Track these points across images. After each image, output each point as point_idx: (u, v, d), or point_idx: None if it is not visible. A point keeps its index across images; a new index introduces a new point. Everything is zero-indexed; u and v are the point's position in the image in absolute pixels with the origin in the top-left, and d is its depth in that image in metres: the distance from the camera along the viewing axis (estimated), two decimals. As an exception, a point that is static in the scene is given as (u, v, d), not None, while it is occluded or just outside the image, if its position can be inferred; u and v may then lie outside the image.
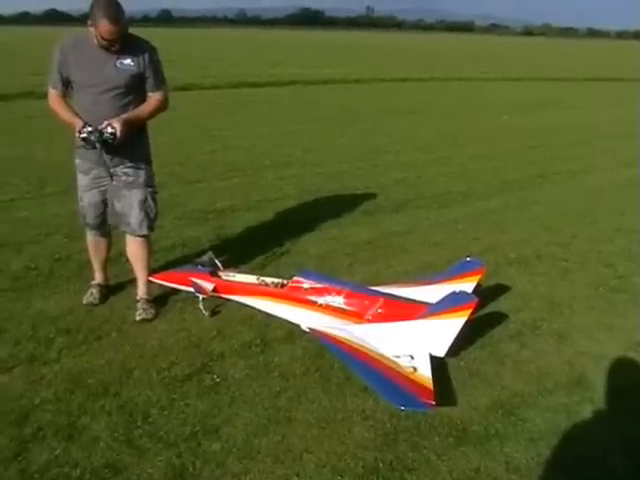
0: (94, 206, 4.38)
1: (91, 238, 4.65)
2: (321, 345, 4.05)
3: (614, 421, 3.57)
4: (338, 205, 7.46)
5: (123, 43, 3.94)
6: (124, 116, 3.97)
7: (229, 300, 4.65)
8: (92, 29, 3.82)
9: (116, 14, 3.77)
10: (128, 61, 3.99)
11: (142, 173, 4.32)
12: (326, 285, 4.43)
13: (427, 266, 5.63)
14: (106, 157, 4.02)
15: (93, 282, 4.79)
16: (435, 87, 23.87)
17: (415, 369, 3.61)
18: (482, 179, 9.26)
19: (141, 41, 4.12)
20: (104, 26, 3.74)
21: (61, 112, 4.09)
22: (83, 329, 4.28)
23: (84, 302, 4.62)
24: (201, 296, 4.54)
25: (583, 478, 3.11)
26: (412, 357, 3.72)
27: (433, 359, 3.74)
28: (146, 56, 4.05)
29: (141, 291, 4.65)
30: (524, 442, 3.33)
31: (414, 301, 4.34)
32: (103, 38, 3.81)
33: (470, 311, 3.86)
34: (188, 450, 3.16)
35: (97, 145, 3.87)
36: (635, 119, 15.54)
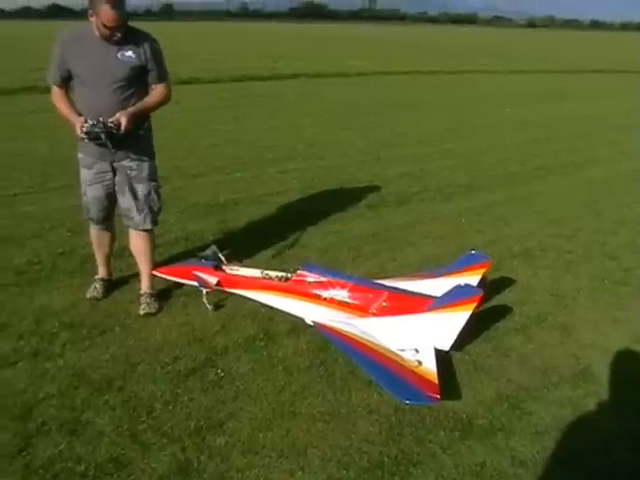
0: (98, 200, 4.37)
1: (94, 232, 4.65)
2: (325, 339, 4.05)
3: (619, 414, 3.56)
4: (342, 198, 7.44)
5: (124, 34, 3.90)
6: (130, 109, 3.96)
7: (233, 294, 4.64)
8: (93, 19, 3.79)
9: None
10: (129, 53, 3.95)
11: (146, 167, 4.31)
12: (330, 279, 4.41)
13: (431, 259, 5.61)
14: (111, 149, 3.96)
15: (96, 276, 4.79)
16: (438, 80, 23.76)
17: (420, 363, 3.60)
18: (486, 172, 9.23)
19: (142, 33, 4.09)
20: (106, 12, 3.69)
21: (62, 108, 4.08)
22: (87, 324, 4.28)
23: (87, 296, 4.62)
24: (205, 290, 4.53)
25: (588, 472, 3.10)
26: (417, 351, 3.70)
27: (438, 353, 3.74)
28: (147, 48, 4.02)
29: (144, 285, 4.65)
30: (530, 436, 3.33)
31: (419, 294, 4.33)
32: (105, 26, 3.76)
33: (475, 304, 3.85)
34: (192, 445, 3.16)
35: (102, 136, 3.83)
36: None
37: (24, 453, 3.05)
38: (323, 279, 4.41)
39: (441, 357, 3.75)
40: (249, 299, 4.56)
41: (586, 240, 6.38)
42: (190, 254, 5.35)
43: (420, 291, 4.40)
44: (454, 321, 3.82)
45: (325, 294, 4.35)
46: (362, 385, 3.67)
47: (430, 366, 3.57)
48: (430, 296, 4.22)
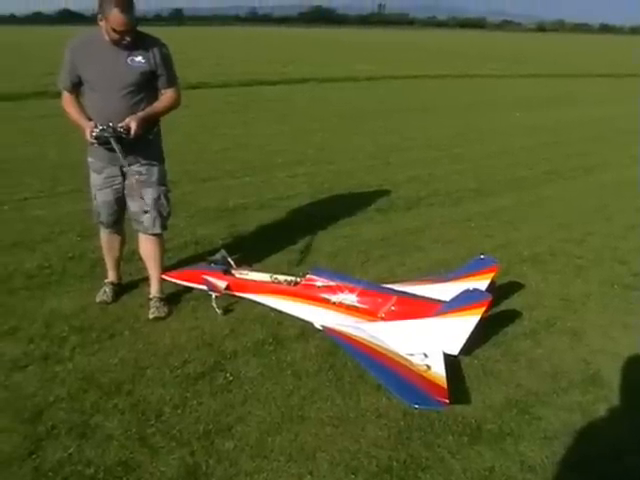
0: (108, 204, 4.39)
1: (104, 236, 4.67)
2: (334, 343, 4.04)
3: (630, 420, 3.54)
4: (351, 203, 7.45)
5: (134, 39, 3.92)
6: (140, 114, 3.97)
7: (242, 298, 4.65)
8: (102, 24, 3.81)
9: (126, 3, 3.74)
10: (139, 58, 3.97)
11: (155, 171, 4.32)
12: (339, 283, 4.41)
13: (440, 264, 5.60)
14: (121, 154, 3.94)
15: (106, 280, 4.80)
16: (447, 84, 23.77)
17: (429, 367, 3.59)
18: (495, 176, 9.21)
19: (151, 38, 4.10)
20: (115, 16, 3.71)
21: (72, 113, 4.10)
22: (96, 327, 4.29)
23: (97, 300, 4.64)
24: (214, 294, 4.54)
25: (599, 478, 3.09)
26: (426, 355, 3.70)
27: (447, 357, 3.73)
28: (157, 53, 4.04)
29: (154, 289, 4.66)
30: (539, 441, 3.31)
31: (427, 299, 4.32)
32: (114, 30, 3.78)
33: (484, 309, 3.84)
34: (201, 449, 3.16)
35: (111, 140, 3.85)
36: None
37: (34, 456, 3.06)
38: (332, 283, 4.41)
39: (450, 361, 3.74)
40: (258, 303, 4.57)
41: (596, 245, 6.36)
42: (199, 258, 5.36)
43: (429, 295, 4.39)
44: (463, 325, 3.82)
45: (334, 298, 4.35)
46: (371, 389, 3.66)
47: (439, 370, 3.57)
48: (439, 300, 4.21)
